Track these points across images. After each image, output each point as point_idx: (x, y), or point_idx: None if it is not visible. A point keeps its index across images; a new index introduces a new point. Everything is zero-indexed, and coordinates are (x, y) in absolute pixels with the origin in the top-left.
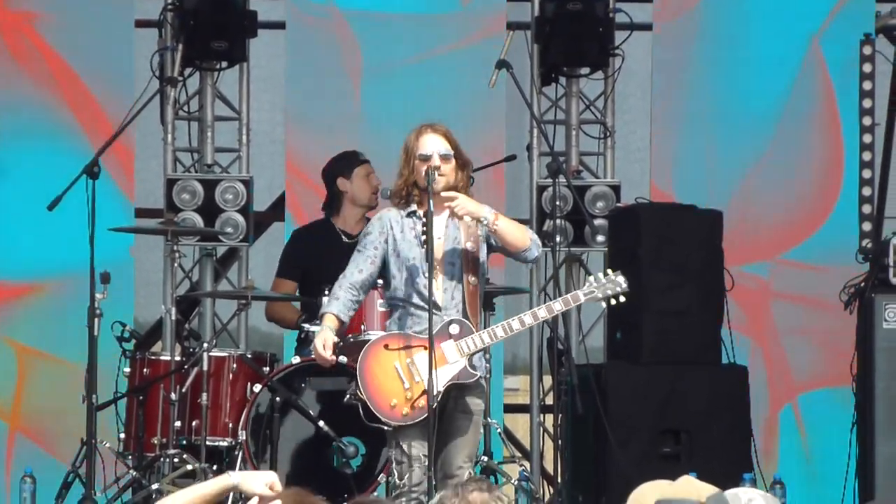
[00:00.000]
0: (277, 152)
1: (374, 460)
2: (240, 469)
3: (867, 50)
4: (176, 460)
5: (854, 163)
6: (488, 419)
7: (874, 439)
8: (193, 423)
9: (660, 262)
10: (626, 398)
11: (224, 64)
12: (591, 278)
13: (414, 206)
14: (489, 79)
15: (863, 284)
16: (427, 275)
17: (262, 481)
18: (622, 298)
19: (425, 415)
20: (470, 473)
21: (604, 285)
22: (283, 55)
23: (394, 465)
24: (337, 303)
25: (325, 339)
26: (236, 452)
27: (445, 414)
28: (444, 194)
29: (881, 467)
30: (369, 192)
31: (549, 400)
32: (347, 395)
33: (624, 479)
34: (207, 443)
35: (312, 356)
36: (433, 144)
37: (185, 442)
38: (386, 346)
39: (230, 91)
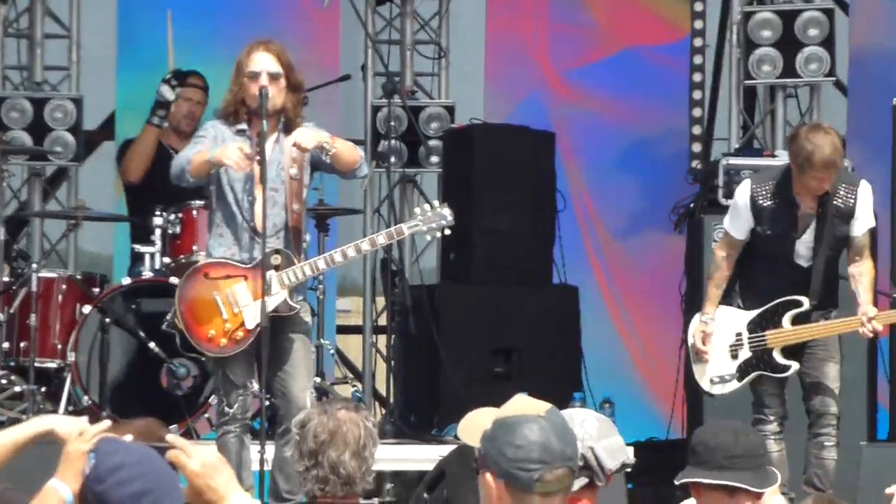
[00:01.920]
0: (108, 71)
1: (205, 383)
2: (69, 391)
3: None
4: (4, 382)
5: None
6: (321, 340)
7: None
8: (22, 345)
9: (492, 183)
10: (459, 318)
11: None
12: (417, 210)
13: (244, 125)
14: None
15: (692, 205)
16: (251, 198)
17: (75, 426)
18: (447, 231)
19: (243, 347)
20: (311, 394)
21: (429, 218)
22: None
23: (221, 393)
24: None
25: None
26: (65, 374)
27: (277, 339)
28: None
29: None
30: (180, 116)
31: (382, 321)
32: (165, 322)
33: (456, 398)
34: (36, 364)
35: (143, 277)
36: (263, 62)
37: (13, 363)
38: (206, 275)
39: (60, 8)
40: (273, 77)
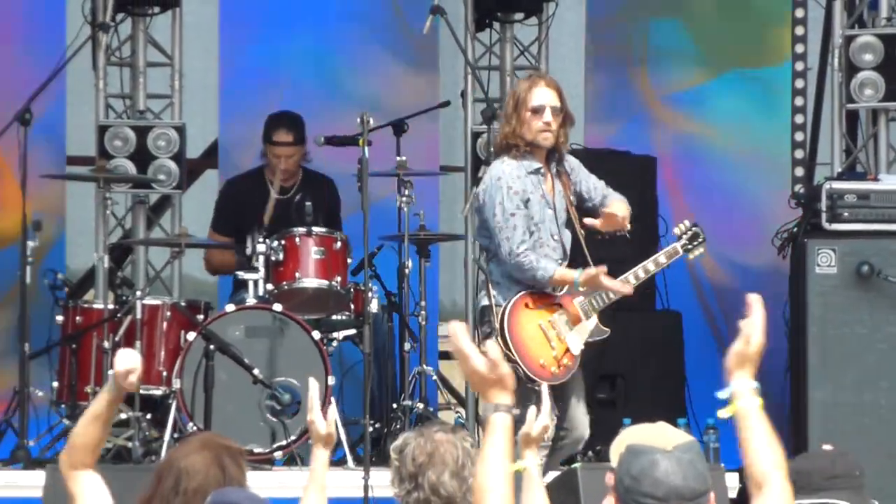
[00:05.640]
0: (210, 98)
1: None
2: (174, 418)
3: None
4: None
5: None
6: (423, 366)
7: (807, 384)
8: None
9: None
10: None
11: (156, 9)
12: (676, 230)
13: (539, 164)
14: (424, 24)
15: (795, 229)
16: (558, 235)
17: (125, 361)
18: (701, 250)
19: (571, 372)
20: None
21: (690, 237)
22: (215, 0)
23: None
24: (551, 262)
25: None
26: (170, 401)
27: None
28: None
29: (814, 413)
30: (275, 169)
31: None
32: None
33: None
34: (141, 391)
35: (247, 304)
36: (546, 97)
37: None
38: (526, 305)
39: (162, 36)
40: (555, 112)
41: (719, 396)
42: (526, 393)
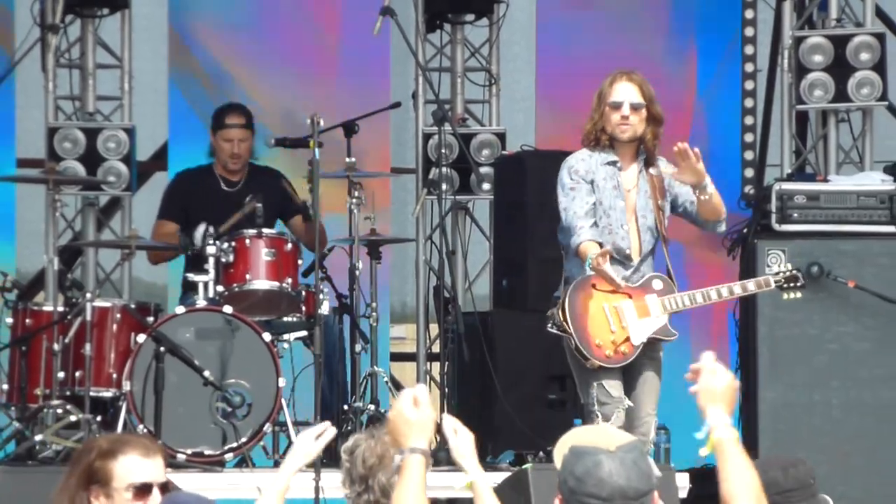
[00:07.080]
0: (160, 101)
1: (261, 410)
2: (124, 420)
3: None
4: (59, 411)
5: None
6: (375, 367)
7: (757, 384)
8: (77, 374)
9: (544, 209)
10: (512, 345)
11: (105, 11)
12: (774, 267)
13: (615, 157)
14: (373, 26)
15: (745, 230)
16: (626, 226)
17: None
18: (799, 294)
19: (627, 360)
20: (655, 422)
21: (787, 277)
22: (164, 2)
23: (595, 406)
24: (588, 231)
25: (608, 267)
26: (120, 403)
27: (633, 362)
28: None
29: (764, 413)
30: (225, 157)
31: (436, 348)
32: (550, 324)
33: (510, 425)
34: (91, 393)
35: (197, 305)
36: (625, 92)
37: (68, 393)
38: (594, 286)
39: (112, 38)
40: (634, 107)
41: (697, 437)
42: (578, 368)
